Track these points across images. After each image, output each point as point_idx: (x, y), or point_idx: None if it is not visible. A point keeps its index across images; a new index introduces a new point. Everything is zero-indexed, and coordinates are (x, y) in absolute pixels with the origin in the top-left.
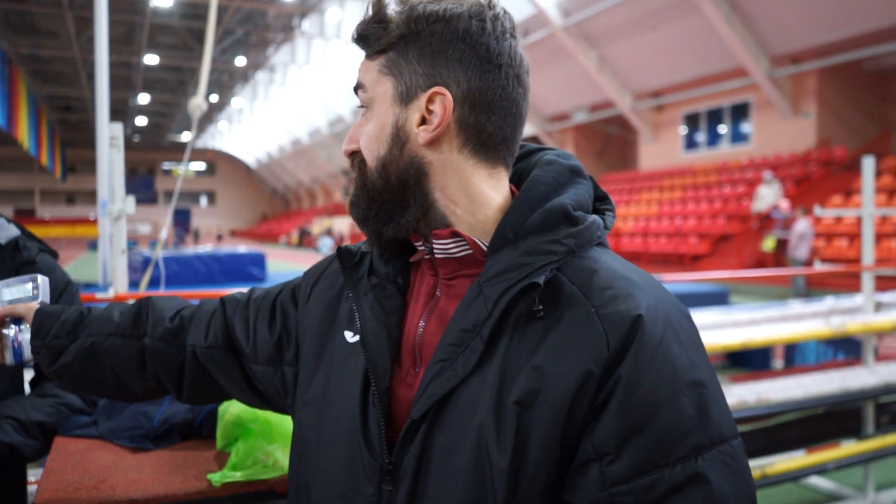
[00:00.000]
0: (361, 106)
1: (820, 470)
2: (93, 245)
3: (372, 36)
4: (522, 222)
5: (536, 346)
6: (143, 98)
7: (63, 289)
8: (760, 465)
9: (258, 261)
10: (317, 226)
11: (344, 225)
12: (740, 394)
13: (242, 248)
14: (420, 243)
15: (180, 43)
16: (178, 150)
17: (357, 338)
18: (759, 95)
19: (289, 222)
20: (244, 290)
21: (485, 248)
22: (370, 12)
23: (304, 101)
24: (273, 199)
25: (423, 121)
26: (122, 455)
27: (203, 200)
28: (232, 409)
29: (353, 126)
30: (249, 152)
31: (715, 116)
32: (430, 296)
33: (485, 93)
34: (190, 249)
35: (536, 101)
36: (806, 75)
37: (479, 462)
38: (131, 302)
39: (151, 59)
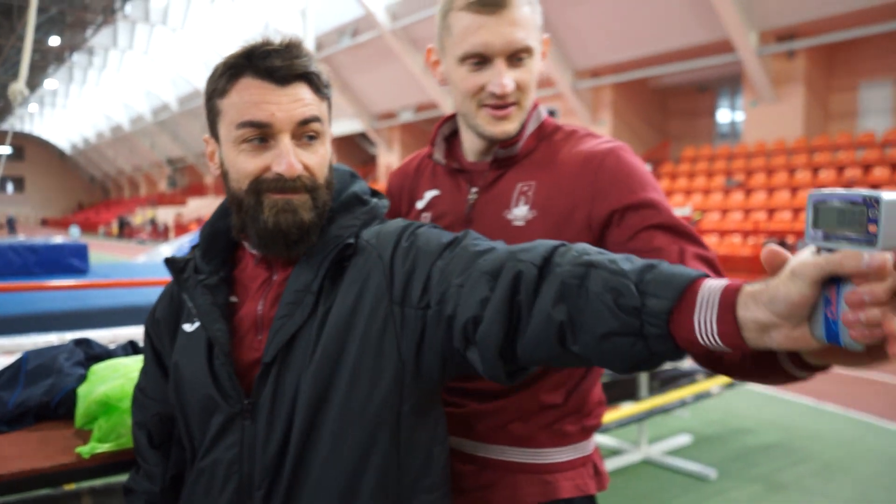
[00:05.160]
0: (312, 136)
1: (604, 429)
2: None
3: (322, 80)
4: (330, 209)
5: (348, 288)
6: None
7: None
8: None
9: (80, 252)
10: (139, 216)
11: (168, 215)
12: None
13: (59, 238)
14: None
15: None
16: None
17: (195, 326)
18: (564, 104)
19: (108, 212)
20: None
21: None
22: (310, 57)
23: (125, 86)
24: (91, 187)
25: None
26: None
27: (9, 187)
28: (99, 388)
29: (290, 151)
30: (64, 137)
31: None
32: (265, 281)
33: None
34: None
35: (365, 99)
36: (603, 89)
37: (320, 376)
38: None
39: None
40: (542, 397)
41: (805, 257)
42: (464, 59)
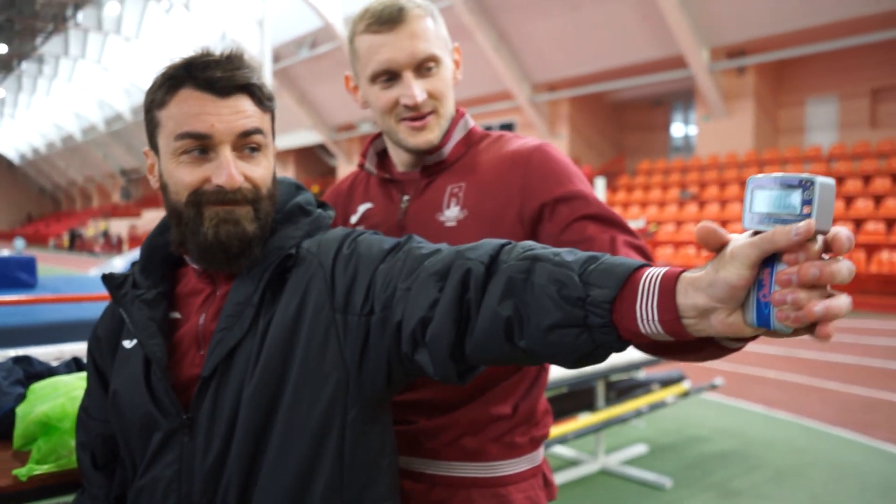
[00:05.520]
0: (254, 148)
1: (561, 440)
2: None
3: (264, 92)
4: (273, 221)
5: (289, 299)
6: None
7: None
8: None
9: (27, 266)
10: (91, 227)
11: (122, 227)
12: None
13: (5, 251)
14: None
15: None
16: None
17: (133, 343)
18: (522, 117)
19: (59, 224)
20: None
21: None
22: (253, 69)
23: (77, 95)
24: (41, 199)
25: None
26: None
27: None
28: (39, 408)
29: (231, 163)
30: (12, 147)
31: None
32: (209, 296)
33: None
34: None
35: (324, 110)
36: (560, 102)
37: (264, 388)
38: None
39: None
40: (491, 409)
41: (741, 240)
42: (374, 78)
